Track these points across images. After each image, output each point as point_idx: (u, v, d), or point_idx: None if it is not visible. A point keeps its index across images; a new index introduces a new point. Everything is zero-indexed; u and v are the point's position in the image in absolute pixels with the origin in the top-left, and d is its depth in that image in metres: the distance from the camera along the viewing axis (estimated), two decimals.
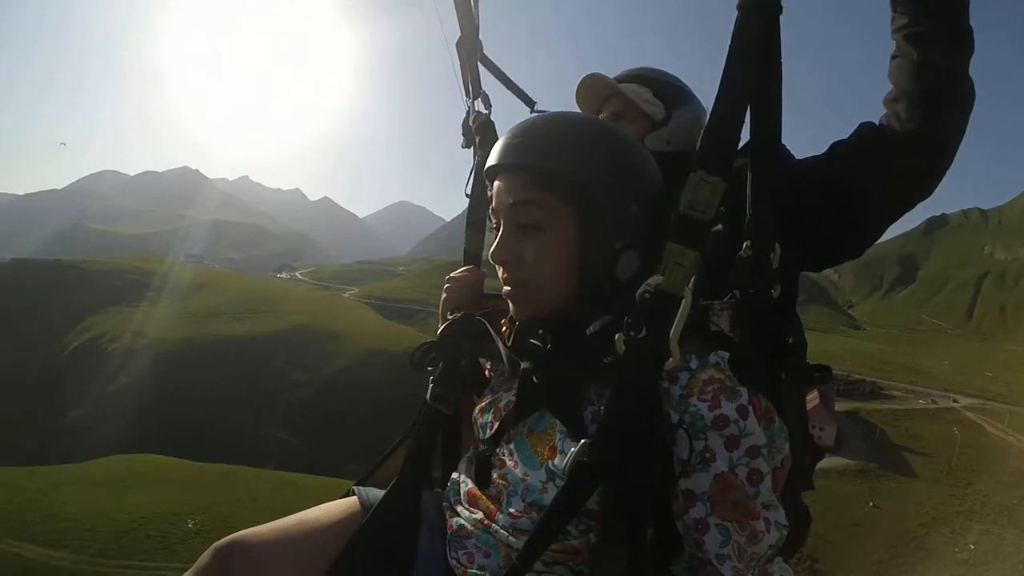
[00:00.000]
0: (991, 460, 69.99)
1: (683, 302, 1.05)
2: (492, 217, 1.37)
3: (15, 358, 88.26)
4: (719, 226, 1.49)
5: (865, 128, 1.49)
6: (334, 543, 1.41)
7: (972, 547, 47.99)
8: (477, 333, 1.48)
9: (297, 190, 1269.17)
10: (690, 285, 1.08)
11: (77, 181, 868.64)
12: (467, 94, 1.99)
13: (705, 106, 1.89)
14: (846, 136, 1.54)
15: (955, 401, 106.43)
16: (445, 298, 1.70)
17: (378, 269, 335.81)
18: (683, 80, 2.06)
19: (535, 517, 1.17)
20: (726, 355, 1.16)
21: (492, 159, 1.31)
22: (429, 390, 1.57)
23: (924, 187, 1.46)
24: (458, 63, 1.97)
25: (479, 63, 1.98)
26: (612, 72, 2.09)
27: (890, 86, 1.45)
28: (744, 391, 1.11)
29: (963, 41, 1.35)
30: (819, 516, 48.12)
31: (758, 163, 1.21)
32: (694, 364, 1.13)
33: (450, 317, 1.60)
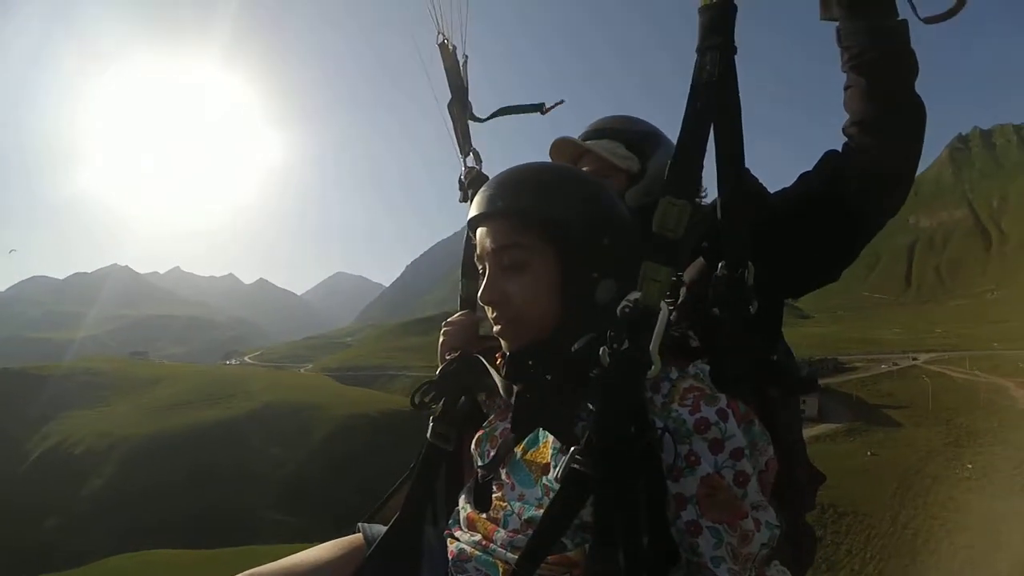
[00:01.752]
0: (963, 398, 76.36)
1: (660, 314, 1.13)
2: (478, 263, 1.45)
3: None
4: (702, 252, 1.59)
5: (829, 156, 1.57)
6: None
7: (970, 466, 52.72)
8: (474, 370, 1.59)
9: (230, 275, 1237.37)
10: (666, 299, 1.17)
11: (6, 291, 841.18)
12: (460, 151, 2.10)
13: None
14: (811, 167, 1.62)
15: (914, 359, 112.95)
16: (443, 341, 1.82)
17: (326, 343, 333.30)
18: (653, 123, 2.16)
19: (532, 532, 1.19)
20: (706, 368, 1.24)
21: (473, 210, 1.40)
22: (429, 428, 1.65)
23: (888, 207, 1.53)
24: (450, 123, 2.09)
25: (469, 121, 2.11)
26: (592, 116, 2.23)
27: (846, 115, 1.52)
28: (723, 397, 1.18)
29: (908, 64, 1.42)
30: (826, 471, 52.23)
31: (724, 186, 1.29)
32: (675, 375, 1.22)
33: (448, 357, 1.72)
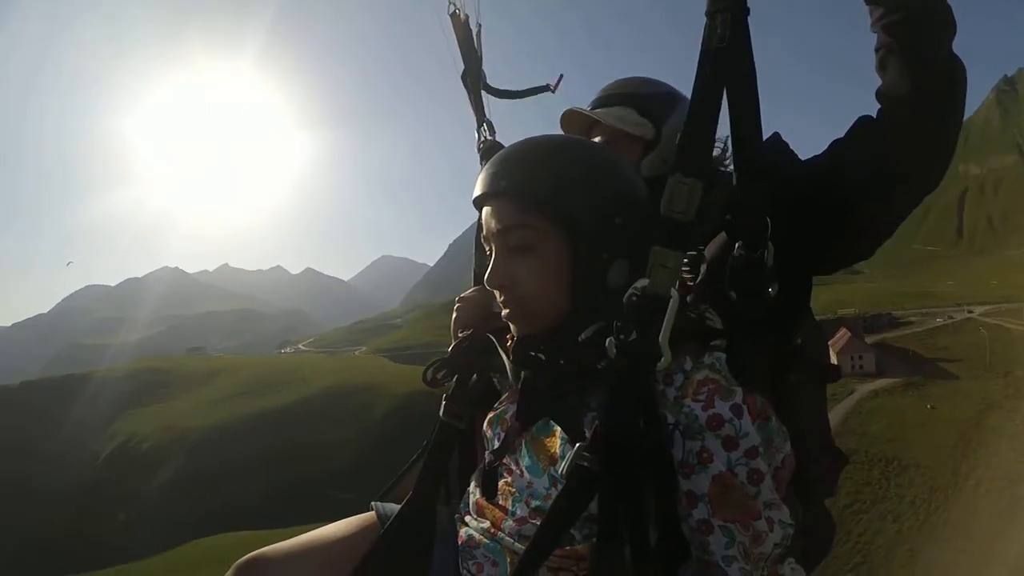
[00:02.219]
0: (1021, 350, 75.76)
1: (671, 302, 1.08)
2: (484, 243, 1.41)
3: (48, 476, 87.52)
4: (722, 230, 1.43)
5: (862, 123, 1.45)
6: (351, 556, 1.45)
7: None
8: (486, 349, 1.56)
9: (278, 267, 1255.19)
10: (676, 286, 1.11)
11: (61, 302, 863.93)
12: (475, 121, 2.14)
13: None
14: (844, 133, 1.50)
15: (970, 312, 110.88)
16: (456, 318, 1.77)
17: (377, 326, 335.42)
18: (667, 84, 2.05)
19: (540, 523, 1.18)
20: (722, 356, 1.18)
21: (477, 189, 1.35)
22: (443, 406, 1.61)
23: (928, 179, 1.41)
24: (465, 93, 2.14)
25: (484, 92, 2.14)
26: (605, 80, 2.12)
27: (879, 79, 1.40)
28: (739, 390, 1.12)
29: (944, 22, 1.31)
30: (886, 426, 56.82)
31: (740, 160, 1.22)
32: (689, 366, 1.15)
33: (460, 335, 1.69)
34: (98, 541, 69.08)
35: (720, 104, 1.13)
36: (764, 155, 1.29)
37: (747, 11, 1.12)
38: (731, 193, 1.24)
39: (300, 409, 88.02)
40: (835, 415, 56.74)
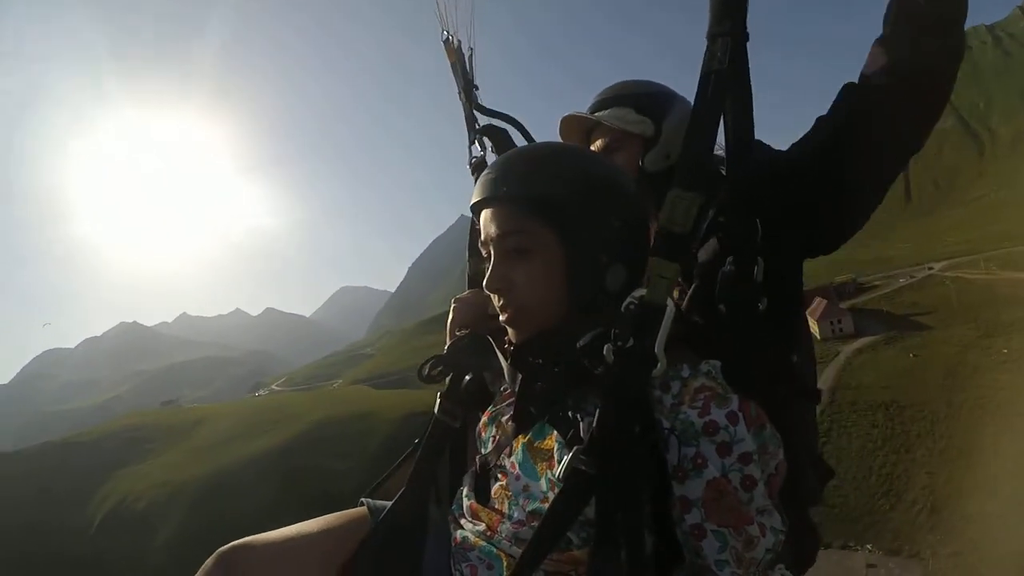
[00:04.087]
0: (984, 296, 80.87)
1: (666, 311, 1.12)
2: (482, 248, 1.42)
3: (43, 549, 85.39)
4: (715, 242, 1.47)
5: (845, 88, 1.48)
6: (340, 551, 1.45)
7: (1005, 351, 56.97)
8: (482, 349, 1.56)
9: (238, 310, 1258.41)
10: (674, 295, 1.15)
11: (20, 371, 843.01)
12: (467, 139, 2.21)
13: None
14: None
15: (931, 269, 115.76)
16: (452, 318, 1.79)
17: (347, 357, 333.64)
18: (664, 84, 2.09)
19: (536, 527, 1.18)
20: (718, 364, 1.20)
21: (476, 195, 1.38)
22: (437, 404, 1.64)
23: (918, 127, 1.44)
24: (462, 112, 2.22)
25: (476, 111, 2.22)
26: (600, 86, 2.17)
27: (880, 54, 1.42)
28: (735, 398, 1.14)
29: (960, 9, 1.33)
30: (877, 376, 60.70)
31: (734, 178, 1.26)
32: (686, 373, 1.18)
33: (457, 334, 1.71)
34: None
35: (718, 123, 1.17)
36: (758, 152, 1.39)
37: (747, 37, 1.16)
38: (722, 204, 1.29)
39: (299, 444, 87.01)
40: (828, 375, 61.61)
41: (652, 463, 1.10)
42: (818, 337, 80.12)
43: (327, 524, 1.51)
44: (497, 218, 1.34)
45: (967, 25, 1.32)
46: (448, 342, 1.70)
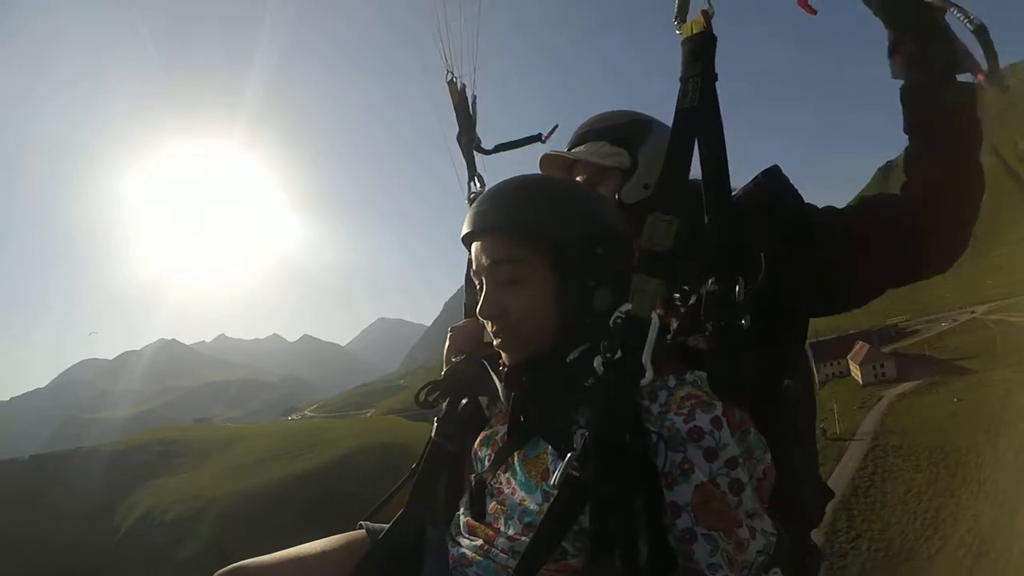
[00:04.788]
0: None
1: (651, 324, 1.18)
2: (475, 278, 1.48)
3: (68, 552, 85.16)
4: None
5: (883, 198, 1.50)
6: (338, 572, 1.49)
7: None
8: (478, 373, 1.62)
9: (275, 335, 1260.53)
10: (657, 309, 1.22)
11: (58, 376, 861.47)
12: (467, 177, 2.34)
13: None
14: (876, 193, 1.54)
15: (973, 312, 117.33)
16: (449, 345, 1.85)
17: (380, 388, 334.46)
18: (638, 111, 2.06)
19: (531, 536, 1.19)
20: (703, 374, 1.25)
21: (465, 227, 1.43)
22: (435, 428, 1.69)
23: (940, 269, 1.48)
24: (457, 152, 2.34)
25: (476, 152, 2.35)
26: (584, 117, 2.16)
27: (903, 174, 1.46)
28: (719, 404, 1.19)
29: (967, 129, 1.36)
30: (922, 421, 60.31)
31: (710, 203, 1.31)
32: (672, 383, 1.23)
33: (454, 360, 1.76)
34: None
35: (691, 154, 1.28)
36: (763, 189, 1.49)
37: (715, 77, 1.27)
38: (704, 232, 1.32)
39: (332, 470, 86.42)
40: (871, 419, 63.90)
41: (643, 469, 1.12)
42: (860, 382, 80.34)
43: (326, 547, 1.55)
44: (487, 248, 1.40)
45: (1005, 65, 1.30)
46: (444, 368, 1.79)
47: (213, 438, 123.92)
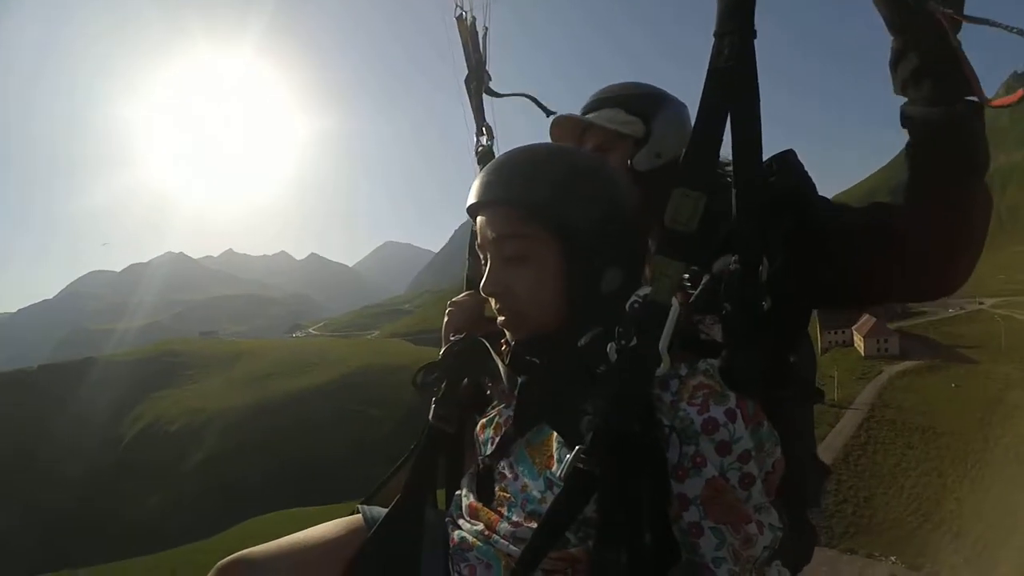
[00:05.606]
0: None
1: (671, 310, 1.10)
2: (479, 251, 1.42)
3: (73, 459, 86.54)
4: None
5: (884, 208, 1.37)
6: (338, 559, 1.46)
7: None
8: (478, 353, 1.54)
9: (283, 252, 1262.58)
10: (677, 294, 1.13)
11: (66, 287, 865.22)
12: (474, 126, 2.18)
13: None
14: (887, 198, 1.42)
15: (981, 303, 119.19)
16: (447, 321, 1.78)
17: (386, 311, 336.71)
18: (653, 85, 2.04)
19: (536, 526, 1.18)
20: (715, 363, 1.20)
21: (471, 198, 1.37)
22: (432, 410, 1.61)
23: (936, 296, 1.37)
24: (465, 97, 2.16)
25: (486, 95, 2.17)
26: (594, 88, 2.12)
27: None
28: (732, 395, 1.15)
29: (971, 150, 1.23)
30: (918, 401, 61.83)
31: (741, 177, 1.21)
32: (684, 371, 1.18)
33: (452, 338, 1.67)
34: (133, 524, 67.94)
35: (724, 122, 1.14)
36: (786, 176, 1.34)
37: (754, 34, 1.13)
38: (731, 206, 1.23)
39: (337, 387, 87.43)
40: (869, 391, 65.10)
41: (653, 461, 1.10)
42: (863, 354, 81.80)
43: (325, 533, 1.52)
44: (494, 222, 1.34)
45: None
46: (443, 346, 1.71)
47: (219, 352, 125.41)
